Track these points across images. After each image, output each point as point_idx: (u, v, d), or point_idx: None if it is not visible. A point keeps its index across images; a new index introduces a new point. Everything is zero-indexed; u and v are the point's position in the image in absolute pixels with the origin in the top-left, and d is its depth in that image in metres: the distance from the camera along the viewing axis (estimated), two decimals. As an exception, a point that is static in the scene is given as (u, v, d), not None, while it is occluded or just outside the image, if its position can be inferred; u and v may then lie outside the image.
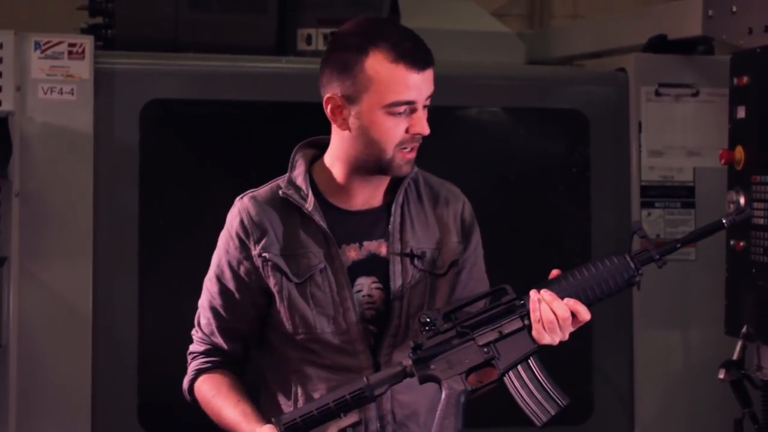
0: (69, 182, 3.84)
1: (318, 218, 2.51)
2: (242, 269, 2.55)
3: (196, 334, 2.66)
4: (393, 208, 2.56)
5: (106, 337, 3.87)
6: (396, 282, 2.53)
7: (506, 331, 2.45)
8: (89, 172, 3.85)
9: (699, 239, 2.59)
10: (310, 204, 2.52)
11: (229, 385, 2.58)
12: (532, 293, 2.43)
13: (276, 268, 2.51)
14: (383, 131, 2.46)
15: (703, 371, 4.04)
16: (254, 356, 2.67)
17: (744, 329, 3.57)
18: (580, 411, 4.18)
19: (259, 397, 2.65)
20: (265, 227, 2.53)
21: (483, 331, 2.45)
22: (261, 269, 2.53)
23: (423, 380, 2.44)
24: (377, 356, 2.52)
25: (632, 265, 2.47)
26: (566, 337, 2.43)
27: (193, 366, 2.64)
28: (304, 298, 2.50)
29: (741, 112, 3.66)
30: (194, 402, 2.64)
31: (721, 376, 3.56)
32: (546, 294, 2.41)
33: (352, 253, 2.54)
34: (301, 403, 2.54)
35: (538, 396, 2.44)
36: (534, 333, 2.42)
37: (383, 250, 2.54)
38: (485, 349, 2.44)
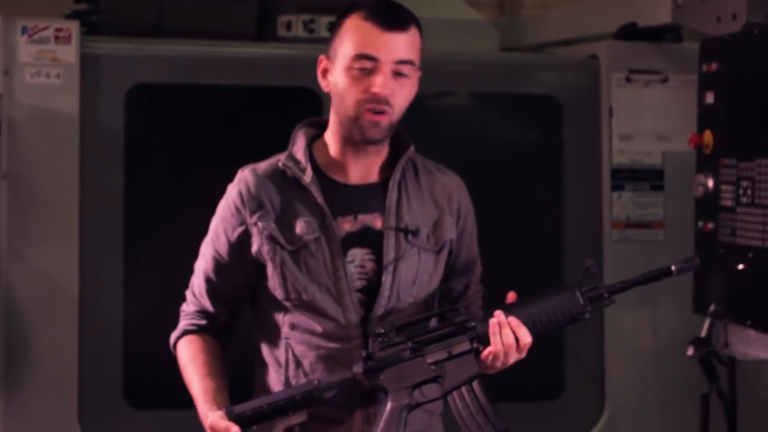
0: (55, 164, 3.89)
1: (314, 190, 2.58)
2: (235, 236, 2.62)
3: (188, 294, 2.73)
4: (390, 184, 2.62)
5: (92, 315, 3.92)
6: (389, 255, 2.59)
7: (455, 352, 2.50)
8: (75, 155, 3.90)
9: (646, 283, 2.61)
10: (308, 177, 2.59)
11: (205, 355, 2.64)
12: (492, 322, 2.49)
13: (270, 236, 2.58)
14: (345, 87, 2.54)
15: (671, 348, 4.13)
16: (247, 324, 2.73)
17: (712, 308, 3.62)
18: (552, 388, 4.28)
19: (252, 365, 2.72)
20: (262, 199, 2.60)
21: (433, 349, 2.51)
22: (255, 237, 2.60)
23: (371, 389, 2.51)
24: (366, 326, 2.58)
25: (581, 301, 2.53)
26: (510, 363, 2.49)
27: (181, 325, 2.71)
28: (297, 266, 2.57)
29: (709, 98, 3.72)
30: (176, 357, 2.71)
31: (690, 352, 3.62)
32: (501, 318, 2.49)
33: (347, 225, 2.60)
34: (291, 370, 2.60)
35: (478, 419, 2.49)
36: (482, 356, 2.48)
37: (378, 224, 2.61)
38: (433, 367, 2.50)
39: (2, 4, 3.91)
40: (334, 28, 2.60)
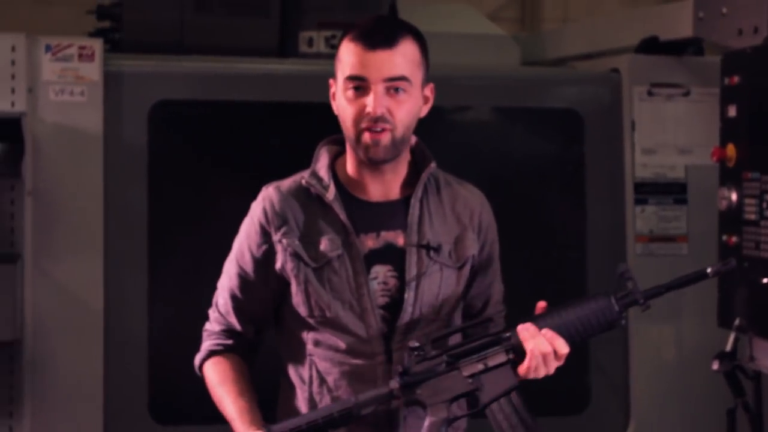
0: (79, 181, 3.92)
1: (338, 207, 2.60)
2: (261, 253, 2.63)
3: (212, 313, 2.73)
4: (412, 201, 2.63)
5: (117, 331, 3.94)
6: (411, 272, 2.60)
7: (491, 364, 2.49)
8: (99, 171, 3.93)
9: (683, 287, 2.58)
10: (331, 194, 2.61)
11: (235, 374, 2.65)
12: (521, 329, 2.47)
13: (294, 253, 2.59)
14: (342, 108, 2.57)
15: (696, 362, 4.11)
16: (272, 342, 2.74)
17: (737, 322, 3.61)
18: (578, 401, 4.27)
19: (277, 382, 2.73)
20: (286, 216, 2.62)
21: (469, 362, 2.50)
22: (279, 254, 2.61)
23: (408, 404, 2.51)
24: (390, 342, 2.59)
25: (616, 308, 2.49)
26: (551, 372, 2.47)
27: (206, 345, 2.71)
28: (321, 283, 2.58)
29: (732, 111, 3.72)
30: (203, 378, 2.72)
31: (715, 367, 3.59)
32: (531, 328, 2.46)
33: (370, 242, 2.61)
34: (315, 386, 2.61)
35: (518, 431, 2.47)
36: (521, 369, 2.46)
37: (400, 241, 2.62)
38: (470, 380, 2.49)
39: (26, 23, 3.94)
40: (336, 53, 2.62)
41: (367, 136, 2.54)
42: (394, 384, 2.49)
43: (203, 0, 4.29)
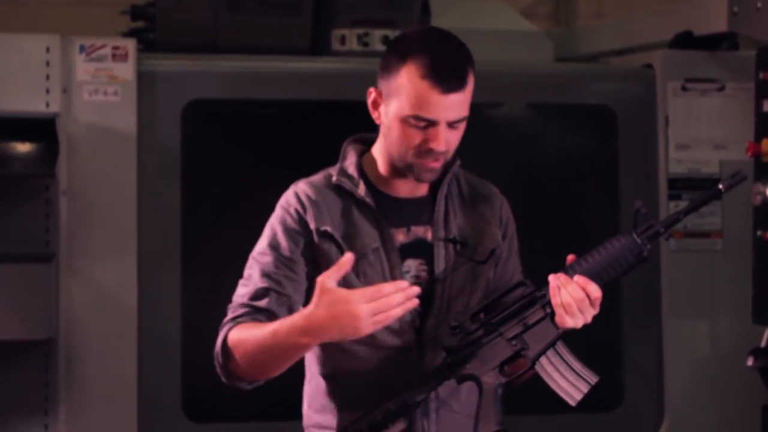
0: (114, 180, 3.94)
1: (370, 202, 2.60)
2: (300, 240, 2.59)
3: (231, 306, 2.60)
4: (438, 197, 2.65)
5: (151, 329, 3.97)
6: (440, 265, 2.62)
7: (530, 322, 2.53)
8: (133, 171, 3.95)
9: (698, 208, 2.62)
10: (361, 190, 2.61)
11: (266, 322, 2.50)
12: (551, 278, 2.50)
13: (333, 241, 2.58)
14: (398, 138, 2.54)
15: (731, 359, 4.10)
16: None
17: (772, 317, 3.61)
18: (611, 398, 4.26)
19: (303, 377, 2.71)
20: (321, 206, 2.61)
21: (509, 326, 2.54)
22: (316, 243, 2.58)
23: (460, 381, 2.53)
24: (421, 334, 2.60)
25: (639, 241, 2.53)
26: (588, 319, 2.49)
27: (225, 328, 2.56)
28: (356, 274, 2.57)
29: (767, 106, 3.70)
30: (225, 361, 2.55)
31: (750, 363, 3.61)
32: (562, 278, 2.50)
33: (401, 237, 2.62)
34: (345, 379, 2.61)
35: (569, 377, 2.53)
36: (557, 318, 2.49)
37: (429, 236, 2.63)
38: (513, 342, 2.53)
39: (60, 24, 3.96)
40: (388, 65, 2.55)
41: (421, 164, 2.55)
42: (443, 366, 2.52)
43: (236, 0, 4.31)
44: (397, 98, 2.53)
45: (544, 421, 4.02)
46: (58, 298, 3.88)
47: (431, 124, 2.51)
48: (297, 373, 2.71)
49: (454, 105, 2.51)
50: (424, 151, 2.53)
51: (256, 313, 2.55)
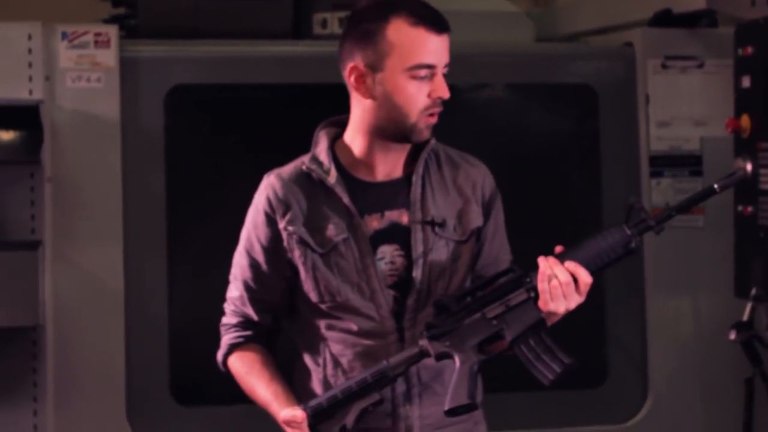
0: (98, 167, 3.94)
1: (340, 191, 2.60)
2: (269, 242, 2.63)
3: (228, 306, 2.74)
4: (414, 178, 2.63)
5: (138, 314, 3.98)
6: (417, 249, 2.60)
7: (512, 303, 2.53)
8: (117, 157, 3.95)
9: (693, 205, 2.65)
10: (332, 177, 2.60)
11: (262, 362, 2.67)
12: (540, 261, 2.50)
13: (300, 240, 2.60)
14: (407, 96, 2.54)
15: (713, 333, 4.12)
16: (287, 327, 2.75)
17: (753, 291, 3.64)
18: (596, 375, 4.28)
19: (291, 367, 2.74)
20: (290, 202, 2.61)
21: (492, 307, 2.54)
22: (286, 242, 2.61)
23: (439, 357, 2.53)
24: (401, 321, 2.60)
25: (628, 232, 2.52)
26: (571, 306, 2.49)
27: (226, 340, 2.72)
28: (329, 268, 2.59)
29: (746, 82, 3.73)
30: (228, 374, 2.73)
31: (732, 336, 3.63)
32: (551, 260, 2.49)
33: (374, 223, 2.62)
34: (329, 369, 2.63)
35: (545, 357, 2.51)
36: (540, 302, 2.49)
37: (405, 219, 2.62)
38: (494, 322, 2.52)
39: (42, 11, 3.96)
40: (366, 33, 2.55)
41: (426, 120, 2.57)
42: (423, 341, 2.53)
43: (217, -16, 4.32)
44: (391, 57, 2.53)
45: (529, 398, 4.06)
46: (44, 285, 3.89)
47: (431, 73, 2.53)
48: (285, 357, 2.74)
49: (446, 47, 2.55)
50: (430, 103, 2.55)
51: (245, 329, 2.72)
